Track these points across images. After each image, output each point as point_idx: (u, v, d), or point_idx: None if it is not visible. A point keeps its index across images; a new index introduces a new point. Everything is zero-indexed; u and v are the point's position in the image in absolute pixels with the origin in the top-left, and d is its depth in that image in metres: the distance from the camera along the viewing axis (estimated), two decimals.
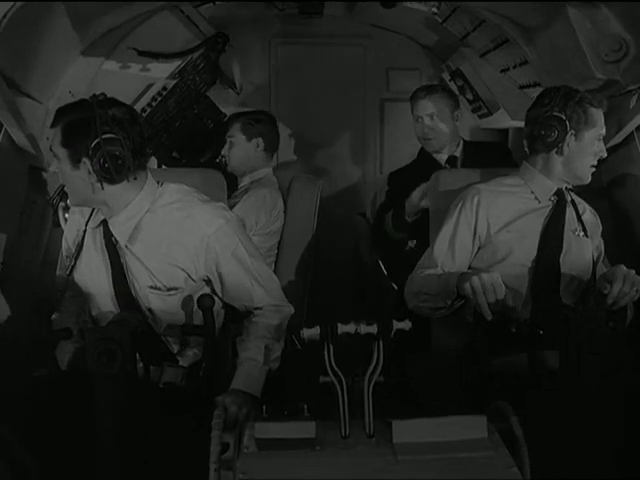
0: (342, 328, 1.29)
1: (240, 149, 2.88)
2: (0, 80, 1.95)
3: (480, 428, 1.23)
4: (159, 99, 2.88)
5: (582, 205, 2.07)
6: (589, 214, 2.07)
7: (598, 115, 1.92)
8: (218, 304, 1.81)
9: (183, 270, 1.72)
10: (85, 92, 2.54)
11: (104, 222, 1.73)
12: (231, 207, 2.40)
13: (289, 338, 1.93)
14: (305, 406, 1.27)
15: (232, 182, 2.83)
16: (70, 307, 1.85)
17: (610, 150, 2.39)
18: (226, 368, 1.78)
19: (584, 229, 2.01)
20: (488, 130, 3.74)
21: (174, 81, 2.86)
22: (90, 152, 1.57)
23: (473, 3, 2.57)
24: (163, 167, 3.35)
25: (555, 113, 1.89)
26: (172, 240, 1.70)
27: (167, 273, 1.71)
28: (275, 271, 2.67)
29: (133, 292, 1.73)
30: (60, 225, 2.63)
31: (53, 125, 1.64)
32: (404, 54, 3.89)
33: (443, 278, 1.86)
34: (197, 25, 2.78)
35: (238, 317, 1.85)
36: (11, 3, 1.74)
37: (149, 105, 2.87)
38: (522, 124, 2.15)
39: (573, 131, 1.90)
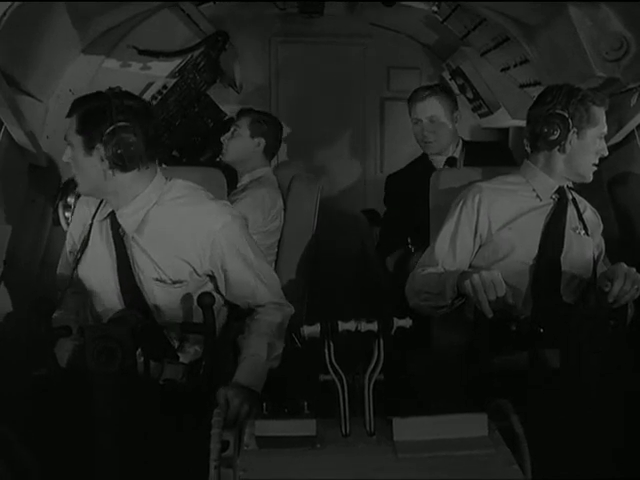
0: (342, 325, 1.29)
1: (240, 142, 2.88)
2: (0, 78, 1.95)
3: (481, 426, 1.22)
4: (159, 98, 2.88)
5: (583, 203, 2.07)
6: (590, 212, 2.07)
7: (600, 113, 1.92)
8: (219, 302, 1.82)
9: (189, 263, 1.73)
10: (85, 90, 2.53)
11: (112, 214, 1.75)
12: None
13: (289, 336, 1.93)
14: (305, 404, 1.26)
15: (232, 180, 2.82)
16: (70, 304, 1.86)
17: (611, 149, 2.39)
18: (226, 366, 1.78)
19: (585, 227, 2.01)
20: (488, 129, 3.73)
21: (174, 80, 2.86)
22: (104, 138, 1.62)
23: (473, 2, 2.57)
24: (163, 166, 3.34)
25: (558, 111, 1.89)
26: (179, 233, 1.72)
27: (173, 266, 1.73)
28: (275, 270, 2.66)
29: (138, 285, 1.74)
30: (60, 223, 2.62)
31: (70, 114, 1.69)
32: (404, 53, 3.89)
33: (444, 277, 1.86)
34: (197, 23, 2.78)
35: (240, 315, 1.86)
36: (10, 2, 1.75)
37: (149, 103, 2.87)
38: (523, 123, 2.15)
39: (575, 129, 1.90)
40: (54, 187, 2.64)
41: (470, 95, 3.44)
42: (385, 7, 3.02)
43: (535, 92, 2.82)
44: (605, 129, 1.93)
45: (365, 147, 3.99)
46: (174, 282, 1.73)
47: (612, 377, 1.54)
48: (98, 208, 1.79)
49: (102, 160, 1.65)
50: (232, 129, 2.92)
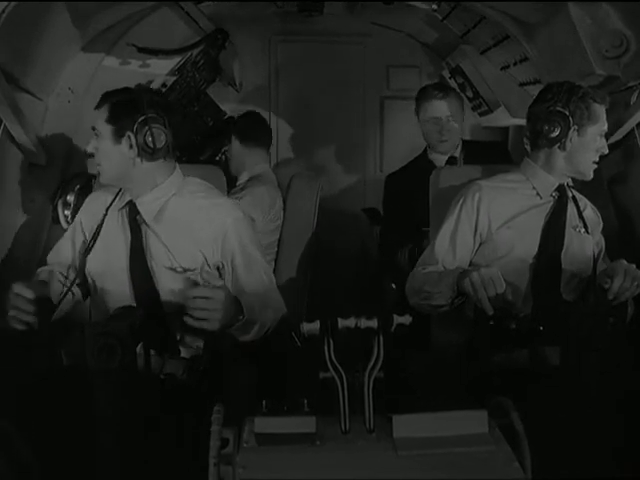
0: (342, 322, 1.29)
1: (233, 151, 2.94)
2: (0, 75, 1.95)
3: (481, 423, 1.22)
4: None
5: (583, 201, 2.07)
6: (590, 210, 2.07)
7: (601, 111, 1.92)
8: None
9: (201, 252, 1.79)
10: (85, 88, 2.55)
11: (129, 203, 1.82)
12: None
13: (289, 335, 1.93)
14: (305, 401, 1.26)
15: (232, 179, 2.83)
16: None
17: (611, 147, 2.39)
18: (227, 364, 1.78)
19: (585, 225, 2.01)
20: (488, 128, 3.73)
21: (174, 78, 2.86)
22: (136, 127, 1.72)
23: (473, 1, 2.57)
24: None
25: (558, 108, 1.89)
26: (195, 223, 1.79)
27: (186, 253, 1.78)
28: (275, 269, 2.67)
29: (149, 273, 1.79)
30: (59, 222, 2.62)
31: (98, 106, 1.77)
32: (404, 52, 3.88)
33: (443, 275, 1.86)
34: (197, 22, 2.78)
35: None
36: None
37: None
38: (523, 122, 2.14)
39: (576, 126, 1.90)
40: (53, 186, 2.65)
41: (470, 94, 3.44)
42: (385, 6, 3.02)
43: (535, 90, 2.81)
44: (605, 127, 1.93)
45: (365, 145, 3.99)
46: (185, 270, 1.78)
47: (612, 375, 1.54)
48: (115, 198, 1.85)
49: (131, 148, 1.74)
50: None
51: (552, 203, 1.98)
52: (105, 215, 1.82)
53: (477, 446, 1.18)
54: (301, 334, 1.33)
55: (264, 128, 3.01)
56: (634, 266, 1.73)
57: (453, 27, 3.16)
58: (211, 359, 1.72)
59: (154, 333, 1.60)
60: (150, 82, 2.79)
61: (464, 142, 2.90)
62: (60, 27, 2.20)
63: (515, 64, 2.88)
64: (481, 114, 3.53)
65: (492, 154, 2.86)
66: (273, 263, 2.68)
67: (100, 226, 1.82)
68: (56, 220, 2.64)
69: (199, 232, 1.79)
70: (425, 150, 2.90)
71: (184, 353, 1.78)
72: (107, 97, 1.77)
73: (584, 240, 1.99)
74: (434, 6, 3.03)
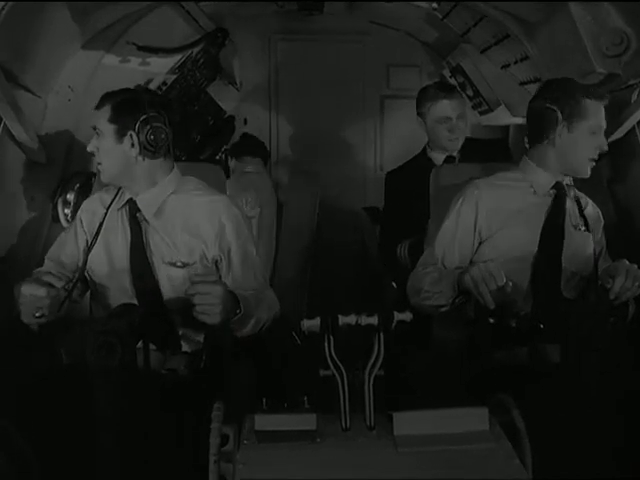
0: (343, 319, 1.28)
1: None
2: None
3: (482, 420, 1.22)
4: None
5: (584, 199, 2.06)
6: (591, 209, 2.06)
7: (594, 107, 1.89)
8: None
9: (200, 245, 1.82)
10: (84, 87, 2.54)
11: (129, 201, 1.85)
12: None
13: (289, 334, 1.93)
14: (305, 398, 1.26)
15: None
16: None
17: (611, 145, 2.39)
18: (227, 360, 1.78)
19: (586, 224, 2.00)
20: (488, 127, 3.73)
21: (174, 76, 2.86)
22: (139, 126, 1.75)
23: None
24: None
25: (548, 104, 1.88)
26: (193, 219, 1.83)
27: (185, 247, 1.81)
28: (275, 267, 2.68)
29: (150, 268, 1.81)
30: (59, 220, 2.62)
31: (99, 106, 1.80)
32: (404, 51, 3.88)
33: (444, 275, 1.85)
34: (197, 20, 2.78)
35: None
36: None
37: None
38: (523, 120, 2.14)
39: (565, 122, 1.88)
40: (53, 184, 2.64)
41: (470, 93, 3.43)
42: (385, 4, 3.02)
43: (535, 89, 2.83)
44: (602, 123, 1.91)
45: (365, 144, 3.99)
46: (184, 264, 1.80)
47: (612, 375, 1.53)
48: (114, 198, 1.87)
49: (132, 146, 1.77)
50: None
51: (550, 201, 1.98)
52: (105, 214, 1.84)
53: (478, 443, 1.18)
54: (301, 332, 1.32)
55: (255, 143, 3.17)
56: (636, 266, 1.73)
57: (453, 26, 3.16)
58: (212, 356, 1.72)
59: (155, 329, 1.61)
60: (150, 80, 2.78)
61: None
62: (60, 25, 2.20)
63: (515, 63, 2.87)
64: (481, 113, 3.53)
65: (492, 152, 2.85)
66: (272, 262, 2.68)
67: (101, 225, 1.83)
68: (56, 218, 2.64)
69: (197, 227, 1.82)
70: (424, 148, 2.90)
71: (185, 348, 1.80)
72: (108, 97, 1.80)
73: (585, 239, 1.99)
74: (434, 5, 3.03)
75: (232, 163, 3.08)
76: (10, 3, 1.81)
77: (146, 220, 1.82)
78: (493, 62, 3.12)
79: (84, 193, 2.50)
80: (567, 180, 2.03)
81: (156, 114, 1.76)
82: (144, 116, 1.74)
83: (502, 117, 3.34)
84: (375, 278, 2.98)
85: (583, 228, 1.99)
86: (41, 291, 1.58)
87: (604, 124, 1.91)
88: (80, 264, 1.85)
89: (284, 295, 2.51)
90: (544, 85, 1.97)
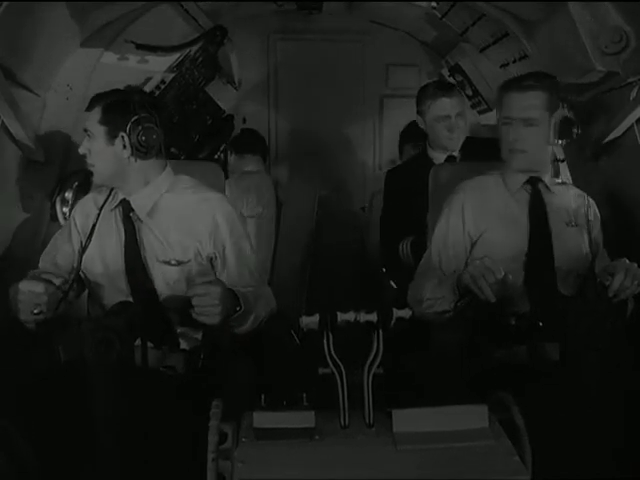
0: (342, 316, 1.28)
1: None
2: None
3: (481, 417, 1.21)
4: (157, 93, 2.86)
5: (572, 194, 2.03)
6: (583, 203, 2.04)
7: (507, 99, 1.90)
8: None
9: (194, 242, 1.82)
10: (83, 85, 2.54)
11: (123, 201, 1.85)
12: None
13: (288, 333, 1.92)
14: (304, 395, 1.25)
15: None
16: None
17: (610, 143, 2.39)
18: (225, 358, 1.77)
19: (577, 220, 1.99)
20: (487, 126, 3.72)
21: (172, 74, 2.85)
22: (130, 127, 1.75)
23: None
24: None
25: None
26: (187, 217, 1.84)
27: (179, 245, 1.82)
28: (274, 266, 2.68)
29: (144, 268, 1.81)
30: (58, 219, 2.62)
31: (89, 108, 1.80)
32: (403, 50, 3.88)
33: (443, 280, 1.87)
34: (196, 19, 2.77)
35: None
36: None
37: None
38: None
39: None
40: (52, 183, 2.64)
41: (469, 92, 3.43)
42: (384, 4, 3.02)
43: None
44: (512, 113, 1.88)
45: (364, 144, 3.98)
46: (179, 262, 1.80)
47: (612, 373, 1.53)
48: (107, 199, 1.87)
49: (124, 147, 1.77)
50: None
51: (528, 198, 1.98)
52: (99, 215, 1.84)
53: (477, 441, 1.18)
54: (300, 330, 1.32)
55: (255, 139, 3.14)
56: (635, 265, 1.72)
57: (452, 25, 3.15)
58: (210, 354, 1.72)
59: (152, 327, 1.60)
60: (149, 79, 2.78)
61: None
62: (58, 23, 2.19)
63: (514, 62, 2.87)
64: (480, 112, 3.53)
65: (493, 151, 2.84)
66: (271, 260, 2.68)
67: (94, 225, 1.83)
68: (54, 217, 2.63)
69: (192, 225, 1.82)
70: (425, 148, 2.89)
71: (183, 345, 1.79)
72: (98, 99, 1.80)
73: (578, 236, 1.98)
74: (433, 4, 3.03)
75: (232, 159, 3.07)
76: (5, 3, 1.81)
77: (140, 219, 1.82)
78: (492, 61, 3.12)
79: (82, 192, 2.49)
80: (565, 178, 2.02)
81: (147, 115, 1.76)
82: (135, 117, 1.74)
83: None
84: (374, 277, 2.98)
85: (573, 222, 1.97)
86: (39, 287, 1.58)
87: (515, 114, 1.88)
88: (75, 264, 1.84)
89: (283, 293, 2.52)
90: None
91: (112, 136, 1.76)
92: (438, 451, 1.16)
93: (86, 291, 1.93)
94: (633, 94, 2.16)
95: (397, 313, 1.30)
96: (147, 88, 2.81)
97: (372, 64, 3.92)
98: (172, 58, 2.76)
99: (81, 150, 1.81)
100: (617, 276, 1.69)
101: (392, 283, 2.75)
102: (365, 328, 1.30)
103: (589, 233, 1.98)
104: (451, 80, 3.49)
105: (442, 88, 2.71)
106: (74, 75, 2.48)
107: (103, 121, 1.76)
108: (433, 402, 1.26)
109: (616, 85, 2.17)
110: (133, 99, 1.78)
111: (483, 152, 2.72)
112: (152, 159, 1.82)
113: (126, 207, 1.83)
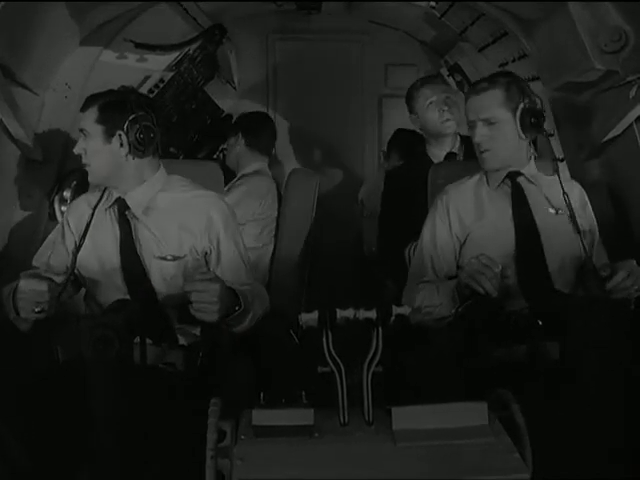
0: (341, 313, 1.28)
1: (237, 149, 2.94)
2: None
3: (481, 415, 1.21)
4: (156, 92, 2.86)
5: (559, 181, 2.01)
6: (577, 193, 2.03)
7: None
8: None
9: (189, 237, 1.84)
10: (82, 84, 2.53)
11: (118, 199, 1.85)
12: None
13: (287, 332, 1.92)
14: (303, 393, 1.25)
15: (229, 176, 2.82)
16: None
17: (610, 141, 2.39)
18: (224, 355, 1.77)
19: (561, 207, 1.97)
20: None
21: (171, 73, 2.85)
22: (127, 125, 1.76)
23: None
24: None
25: None
26: (182, 213, 1.85)
27: (175, 240, 1.83)
28: (272, 265, 2.67)
29: (141, 264, 1.82)
30: (56, 218, 2.61)
31: (85, 108, 1.81)
32: (402, 50, 3.88)
33: (440, 287, 1.88)
34: (195, 18, 2.77)
35: None
36: None
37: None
38: None
39: None
40: (50, 181, 2.63)
41: None
42: (383, 3, 3.02)
43: (533, 87, 2.82)
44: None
45: (363, 143, 3.98)
46: (175, 258, 1.81)
47: (612, 371, 1.52)
48: (100, 198, 1.88)
49: (121, 146, 1.78)
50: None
51: (510, 192, 1.98)
52: (92, 214, 1.85)
53: (477, 438, 1.17)
54: (299, 329, 1.32)
55: (272, 135, 3.02)
56: None
57: (451, 24, 3.16)
58: (209, 352, 1.72)
59: (150, 323, 1.60)
60: (147, 78, 2.78)
61: (462, 137, 2.88)
62: (58, 21, 2.19)
63: (513, 61, 2.88)
64: None
65: None
66: (269, 257, 2.67)
67: (89, 225, 1.84)
68: (53, 216, 2.63)
69: (186, 220, 1.84)
70: (424, 147, 2.89)
71: (182, 341, 1.80)
72: (94, 99, 1.81)
73: (568, 223, 1.96)
74: (432, 3, 3.03)
75: (239, 143, 2.92)
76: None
77: (135, 217, 1.83)
78: (491, 61, 3.12)
79: (81, 190, 2.48)
80: (519, 168, 2.00)
81: (144, 113, 1.78)
82: (132, 115, 1.75)
83: None
84: (373, 277, 2.97)
85: (560, 211, 1.96)
86: (43, 285, 1.58)
87: (475, 116, 1.93)
88: (69, 265, 1.84)
89: (282, 293, 2.52)
90: None
91: (109, 135, 1.77)
92: (438, 449, 1.16)
93: (82, 292, 1.92)
94: (632, 93, 2.16)
95: (396, 310, 1.30)
96: (146, 87, 2.81)
97: (371, 64, 3.91)
98: (171, 57, 2.76)
99: (76, 150, 1.81)
100: (620, 272, 1.69)
101: (390, 283, 2.74)
102: (364, 325, 1.30)
103: (571, 217, 1.95)
104: (450, 80, 3.49)
105: (424, 79, 2.78)
106: (73, 74, 2.48)
107: (100, 120, 1.77)
108: (432, 400, 1.26)
109: (615, 84, 2.17)
110: (130, 98, 1.79)
111: None
112: (148, 158, 1.83)
113: (122, 205, 1.84)
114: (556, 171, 1.98)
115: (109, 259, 1.83)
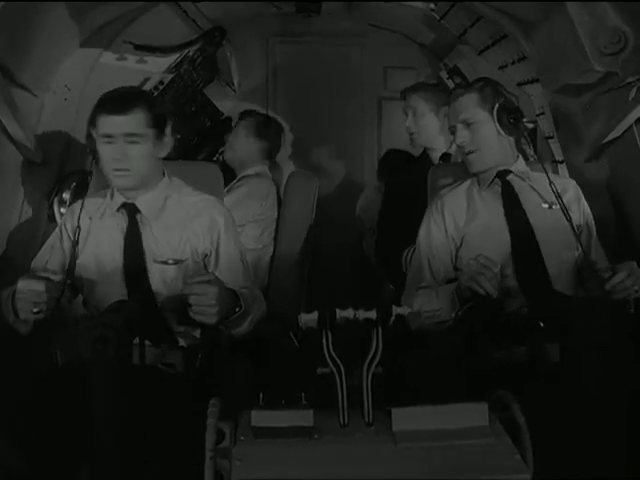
0: (340, 313, 1.27)
1: (241, 142, 2.93)
2: None
3: (481, 415, 1.21)
4: (155, 94, 2.86)
5: (551, 176, 2.01)
6: (572, 190, 2.03)
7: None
8: None
9: (192, 241, 1.85)
10: (81, 86, 2.54)
11: (126, 203, 1.85)
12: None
13: (286, 334, 1.91)
14: (302, 394, 1.24)
15: (229, 178, 2.82)
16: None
17: (609, 143, 2.39)
18: (224, 356, 1.77)
19: (554, 201, 1.97)
20: None
21: (171, 75, 2.85)
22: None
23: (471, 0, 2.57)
24: None
25: None
26: (185, 217, 1.87)
27: (178, 245, 1.83)
28: (272, 266, 2.67)
29: (145, 267, 1.82)
30: (55, 220, 2.61)
31: (124, 111, 1.72)
32: (402, 53, 3.88)
33: (440, 291, 1.88)
34: (195, 20, 2.77)
35: None
36: None
37: None
38: None
39: None
40: (49, 183, 2.63)
41: None
42: (382, 5, 3.02)
43: (532, 89, 2.83)
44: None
45: (363, 146, 3.98)
46: (176, 262, 1.81)
47: (613, 371, 1.52)
48: (101, 202, 1.88)
49: (162, 148, 1.82)
50: (234, 128, 2.97)
51: (500, 191, 1.99)
52: (91, 218, 1.85)
53: (478, 439, 1.17)
54: (299, 330, 1.31)
55: (279, 142, 3.05)
56: None
57: (451, 27, 3.16)
58: (208, 354, 1.71)
59: (150, 324, 1.59)
60: (147, 79, 2.78)
61: None
62: (57, 22, 2.19)
63: (513, 63, 2.88)
64: None
65: None
66: (269, 258, 2.67)
67: (89, 229, 1.84)
68: (52, 218, 2.62)
69: (190, 223, 1.85)
70: (425, 150, 2.89)
71: (182, 342, 1.79)
72: (133, 100, 1.75)
73: (560, 216, 1.95)
74: (432, 5, 3.04)
75: (245, 140, 2.93)
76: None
77: (143, 222, 1.83)
78: (490, 63, 3.12)
79: (80, 192, 2.48)
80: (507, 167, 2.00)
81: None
82: (174, 117, 1.79)
83: None
84: (372, 279, 2.97)
85: (555, 206, 1.96)
86: (40, 285, 1.57)
87: (454, 121, 2.00)
88: (67, 269, 1.82)
89: (282, 294, 2.51)
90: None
91: (159, 138, 1.79)
92: (438, 449, 1.15)
93: (81, 297, 1.92)
94: (632, 94, 2.16)
95: (396, 310, 1.29)
96: (145, 88, 2.81)
97: (370, 67, 3.91)
98: (171, 59, 2.76)
99: (116, 155, 1.73)
100: (620, 273, 1.69)
101: (390, 286, 2.74)
102: (364, 326, 1.30)
103: (563, 209, 1.94)
104: (450, 83, 3.49)
105: (405, 90, 2.76)
106: (72, 75, 2.48)
107: (152, 123, 1.76)
108: (432, 401, 1.26)
109: (615, 85, 2.17)
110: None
111: None
112: (162, 160, 1.86)
113: (132, 209, 1.84)
114: (544, 167, 1.99)
115: (110, 262, 1.82)
